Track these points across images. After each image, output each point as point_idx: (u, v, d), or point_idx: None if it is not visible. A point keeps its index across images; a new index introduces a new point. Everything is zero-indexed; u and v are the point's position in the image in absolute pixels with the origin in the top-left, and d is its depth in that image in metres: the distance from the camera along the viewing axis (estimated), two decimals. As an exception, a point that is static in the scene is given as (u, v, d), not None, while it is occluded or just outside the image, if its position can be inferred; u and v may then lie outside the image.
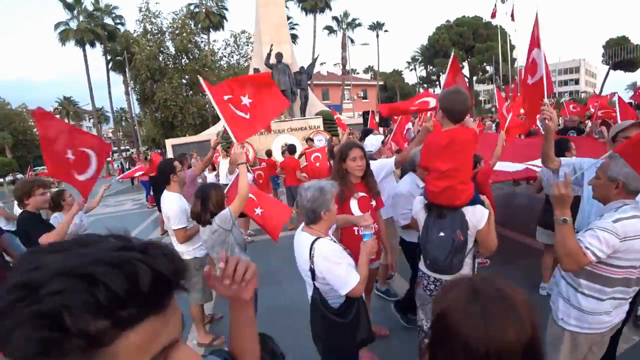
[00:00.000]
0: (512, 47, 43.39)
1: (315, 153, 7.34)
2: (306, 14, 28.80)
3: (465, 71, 45.73)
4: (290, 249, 2.12)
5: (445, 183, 2.02)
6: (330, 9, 28.99)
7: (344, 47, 29.27)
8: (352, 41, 30.99)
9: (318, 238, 1.90)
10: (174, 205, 3.06)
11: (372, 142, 3.92)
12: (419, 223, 2.23)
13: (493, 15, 19.49)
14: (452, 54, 3.59)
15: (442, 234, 2.02)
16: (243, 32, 27.80)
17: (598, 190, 1.85)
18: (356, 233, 2.57)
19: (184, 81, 25.56)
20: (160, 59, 24.62)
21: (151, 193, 9.89)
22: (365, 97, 40.43)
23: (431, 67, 47.40)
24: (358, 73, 51.72)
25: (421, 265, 2.28)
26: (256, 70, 14.33)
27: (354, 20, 31.59)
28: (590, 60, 66.28)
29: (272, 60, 14.23)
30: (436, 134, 2.33)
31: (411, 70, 51.57)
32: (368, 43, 29.76)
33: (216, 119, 24.59)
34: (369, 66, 49.94)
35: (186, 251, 3.12)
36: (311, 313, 1.98)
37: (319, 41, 21.31)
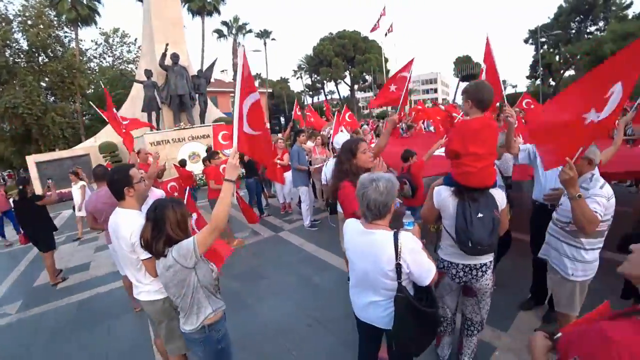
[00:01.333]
0: (386, 60, 49.16)
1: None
2: (193, 16, 27.22)
3: (348, 80, 49.91)
4: (246, 265, 2.08)
5: (482, 164, 2.21)
6: (219, 13, 27.95)
7: (235, 53, 28.60)
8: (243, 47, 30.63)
9: (396, 232, 1.77)
10: (138, 225, 2.04)
11: (342, 139, 4.00)
12: (446, 212, 2.24)
13: (374, 29, 21.70)
14: (486, 38, 3.69)
15: (480, 215, 2.11)
16: (116, 30, 24.66)
17: (579, 167, 2.20)
18: None
19: (42, 84, 21.32)
20: (8, 54, 19.98)
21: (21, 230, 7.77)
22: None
23: (316, 76, 50.08)
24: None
25: (445, 255, 2.36)
26: (147, 71, 12.91)
27: (244, 24, 31.14)
28: (444, 73, 79.99)
29: (168, 61, 13.05)
30: (467, 122, 2.48)
31: (297, 78, 53.61)
32: (260, 50, 29.88)
33: (90, 131, 21.27)
34: (257, 74, 49.90)
35: (158, 289, 2.27)
36: (399, 316, 1.80)
37: (207, 46, 20.33)
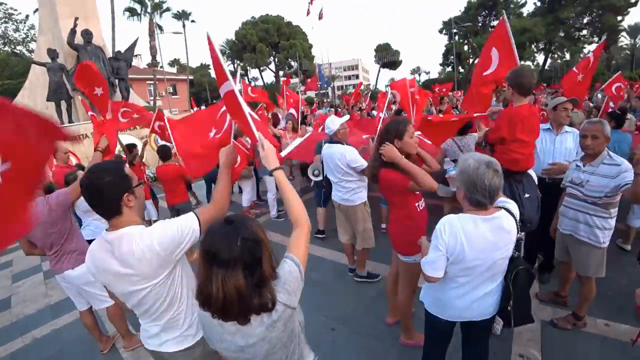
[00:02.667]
0: (310, 46, 49.00)
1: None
2: (97, -10, 23.36)
3: (272, 66, 48.69)
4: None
5: (528, 150, 2.53)
6: (130, -12, 24.53)
7: (152, 35, 25.51)
8: (161, 29, 27.40)
9: (504, 206, 1.76)
10: (159, 248, 1.40)
11: (333, 121, 3.54)
12: None
13: (308, 13, 21.12)
14: (502, 18, 3.36)
15: (527, 195, 2.27)
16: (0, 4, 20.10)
17: (598, 146, 2.51)
18: (418, 209, 2.44)
19: None
20: None
21: None
22: (175, 93, 36.84)
23: (239, 62, 47.88)
24: (162, 67, 46.71)
25: None
26: (52, 51, 10.58)
27: (160, 3, 27.60)
28: (365, 60, 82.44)
29: (79, 39, 10.84)
30: (515, 109, 2.61)
31: (219, 64, 50.49)
32: (180, 32, 26.91)
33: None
34: (175, 59, 45.86)
35: (195, 331, 1.61)
36: (521, 289, 1.81)
37: (117, 26, 17.43)
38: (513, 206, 1.79)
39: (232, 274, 1.06)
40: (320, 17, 23.12)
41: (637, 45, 46.78)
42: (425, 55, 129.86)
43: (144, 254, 1.35)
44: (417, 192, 2.42)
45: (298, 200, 1.49)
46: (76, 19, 10.74)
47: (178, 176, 4.96)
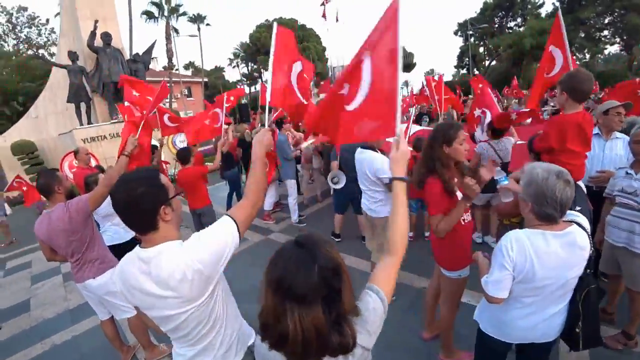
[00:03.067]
0: (324, 48, 48.97)
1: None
2: (116, -6, 23.79)
3: (287, 69, 48.81)
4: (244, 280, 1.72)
5: (580, 161, 2.45)
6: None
7: (168, 37, 25.80)
8: (177, 32, 27.69)
9: (576, 220, 1.64)
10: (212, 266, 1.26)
11: None
12: None
13: (323, 16, 20.95)
14: (557, 13, 3.17)
15: (578, 207, 2.12)
16: (23, 9, 20.53)
17: None
18: (463, 223, 2.29)
19: None
20: None
21: None
22: (190, 95, 37.30)
23: (252, 64, 48.15)
24: (177, 70, 47.42)
25: None
26: (72, 54, 10.71)
27: (177, 6, 27.89)
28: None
29: (98, 42, 10.95)
30: (566, 118, 2.46)
31: (233, 67, 51.02)
32: (196, 34, 27.19)
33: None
34: (190, 62, 46.39)
35: None
36: (592, 308, 1.67)
37: (135, 29, 17.59)
38: (583, 220, 1.65)
39: (310, 309, 0.88)
40: (336, 20, 22.98)
41: (661, 46, 45.31)
42: (439, 57, 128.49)
43: (186, 274, 1.19)
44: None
45: (405, 223, 1.28)
46: (96, 21, 10.85)
47: (198, 178, 4.84)
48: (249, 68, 49.78)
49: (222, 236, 1.28)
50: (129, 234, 3.83)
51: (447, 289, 2.45)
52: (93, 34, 10.81)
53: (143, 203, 1.23)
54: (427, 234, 4.88)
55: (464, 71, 49.35)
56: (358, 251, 4.56)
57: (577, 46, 35.67)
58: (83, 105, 11.17)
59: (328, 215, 6.26)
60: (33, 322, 4.13)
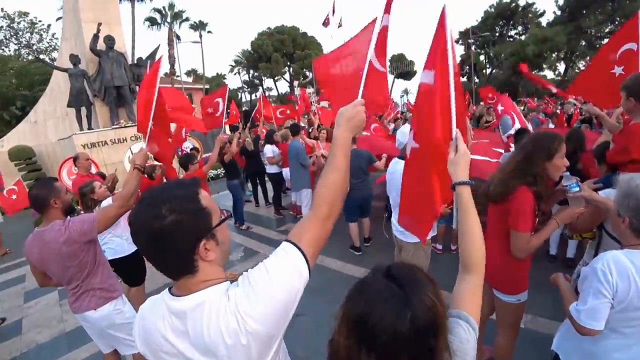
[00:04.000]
0: (325, 56, 49.06)
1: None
2: (121, 0, 23.65)
3: (287, 76, 48.81)
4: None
5: None
6: (151, -1, 24.67)
7: (171, 43, 25.58)
8: (179, 38, 27.48)
9: None
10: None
11: (405, 132, 3.06)
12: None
13: (325, 24, 20.82)
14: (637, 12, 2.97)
15: None
16: (24, 14, 20.28)
17: None
18: None
19: None
20: None
21: None
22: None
23: (253, 72, 48.12)
24: (179, 76, 47.32)
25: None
26: (74, 57, 10.40)
27: (180, 12, 27.71)
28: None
29: (101, 45, 10.65)
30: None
31: (235, 74, 51.02)
32: (199, 41, 26.95)
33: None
34: (192, 69, 46.27)
35: None
36: None
37: (137, 35, 17.30)
38: None
39: None
40: (338, 26, 22.91)
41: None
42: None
43: (239, 338, 0.81)
44: None
45: (480, 232, 1.11)
46: (99, 24, 10.57)
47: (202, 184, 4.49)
48: (250, 75, 49.73)
49: (285, 278, 0.87)
50: (132, 247, 3.45)
51: (504, 315, 2.21)
52: (96, 37, 10.52)
53: (174, 239, 0.85)
54: (453, 247, 4.55)
55: (464, 79, 49.52)
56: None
57: (578, 54, 35.82)
58: (84, 110, 10.82)
59: (338, 227, 5.90)
60: (24, 348, 3.69)
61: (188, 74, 48.70)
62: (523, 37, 34.91)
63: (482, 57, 42.88)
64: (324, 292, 3.63)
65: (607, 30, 35.36)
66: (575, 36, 33.75)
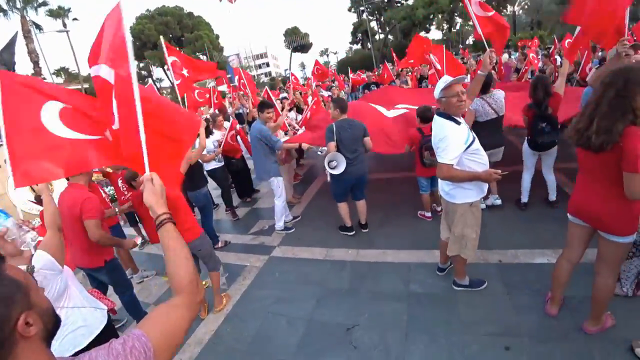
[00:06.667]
0: (217, 36, 45.84)
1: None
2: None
3: (181, 63, 44.61)
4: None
5: None
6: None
7: (28, 35, 20.60)
8: (40, 28, 22.26)
9: None
10: None
11: (439, 84, 2.69)
12: None
13: (221, -1, 19.05)
14: None
15: None
16: None
17: None
18: None
19: None
20: None
21: None
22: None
23: (139, 62, 42.71)
24: (44, 78, 39.22)
25: None
26: None
27: None
28: (272, 46, 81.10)
29: None
30: None
31: (117, 67, 44.56)
32: (65, 29, 22.05)
33: None
34: (62, 67, 38.99)
35: None
36: None
37: None
38: None
39: None
40: (231, 2, 21.27)
41: None
42: (333, 36, 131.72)
43: None
44: None
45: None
46: None
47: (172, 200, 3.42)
48: (136, 66, 44.16)
49: None
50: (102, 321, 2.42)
51: (614, 257, 2.19)
52: None
53: None
54: (439, 208, 4.29)
55: (358, 46, 51.24)
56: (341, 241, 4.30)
57: (458, 14, 39.54)
58: None
59: (323, 207, 5.39)
60: None
61: (57, 73, 40.86)
62: (410, 2, 37.17)
63: (373, 24, 44.76)
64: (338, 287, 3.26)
65: None
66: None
